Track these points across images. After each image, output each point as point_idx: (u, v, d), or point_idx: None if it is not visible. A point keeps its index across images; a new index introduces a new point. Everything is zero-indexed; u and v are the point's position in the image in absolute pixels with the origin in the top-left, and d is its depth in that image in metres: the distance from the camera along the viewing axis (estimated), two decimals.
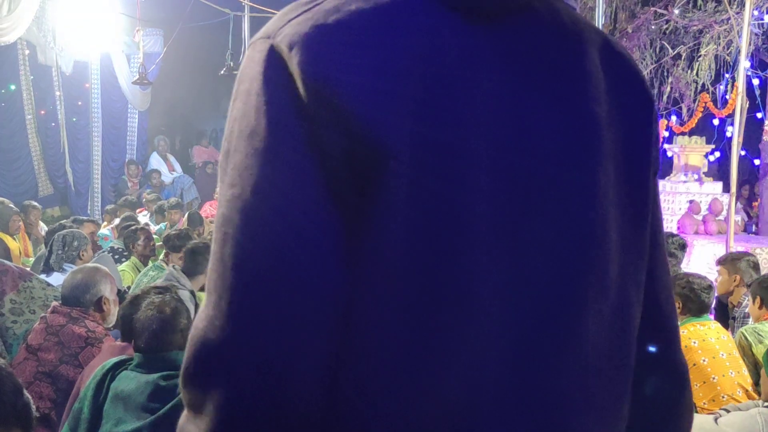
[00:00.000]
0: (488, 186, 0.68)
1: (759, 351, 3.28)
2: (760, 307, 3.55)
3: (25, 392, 1.68)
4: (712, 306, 3.74)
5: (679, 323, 3.72)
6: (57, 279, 3.96)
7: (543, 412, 0.71)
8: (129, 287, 4.43)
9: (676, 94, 8.65)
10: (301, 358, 0.64)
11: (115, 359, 2.32)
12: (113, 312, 3.11)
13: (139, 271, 4.89)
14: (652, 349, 0.84)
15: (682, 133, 8.12)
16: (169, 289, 2.45)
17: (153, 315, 2.27)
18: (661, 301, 0.85)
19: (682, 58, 8.40)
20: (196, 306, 3.68)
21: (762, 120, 7.31)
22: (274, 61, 0.67)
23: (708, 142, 7.83)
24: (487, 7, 0.72)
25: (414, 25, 0.68)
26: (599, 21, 7.03)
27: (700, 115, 8.10)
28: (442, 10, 0.70)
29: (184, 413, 0.68)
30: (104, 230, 6.67)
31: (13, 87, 9.45)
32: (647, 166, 0.81)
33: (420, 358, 0.66)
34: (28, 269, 4.12)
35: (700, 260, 6.60)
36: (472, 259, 0.67)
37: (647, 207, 0.81)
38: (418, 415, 0.66)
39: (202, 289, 3.89)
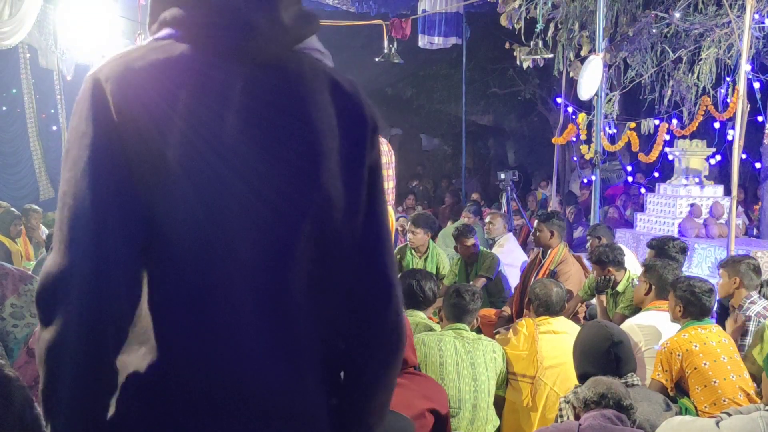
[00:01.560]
0: (225, 175, 1.08)
1: (758, 354, 3.27)
2: None
3: (37, 406, 1.61)
4: (714, 309, 3.73)
5: (680, 326, 3.68)
6: None
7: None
8: None
9: (677, 98, 8.63)
10: (112, 278, 1.02)
11: None
12: None
13: None
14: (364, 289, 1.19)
15: (683, 137, 8.10)
16: None
17: None
18: (379, 262, 1.20)
19: (683, 61, 8.39)
20: None
21: (763, 123, 7.30)
22: (96, 89, 1.06)
23: (709, 145, 7.82)
24: (241, 57, 1.10)
25: (190, 70, 1.08)
26: (600, 24, 7.03)
27: (701, 118, 8.06)
28: (209, 58, 1.09)
29: (38, 329, 1.02)
30: None
31: (14, 91, 9.47)
32: (362, 168, 1.18)
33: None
34: (29, 273, 4.11)
35: (701, 264, 6.60)
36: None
37: (360, 196, 1.18)
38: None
39: None
